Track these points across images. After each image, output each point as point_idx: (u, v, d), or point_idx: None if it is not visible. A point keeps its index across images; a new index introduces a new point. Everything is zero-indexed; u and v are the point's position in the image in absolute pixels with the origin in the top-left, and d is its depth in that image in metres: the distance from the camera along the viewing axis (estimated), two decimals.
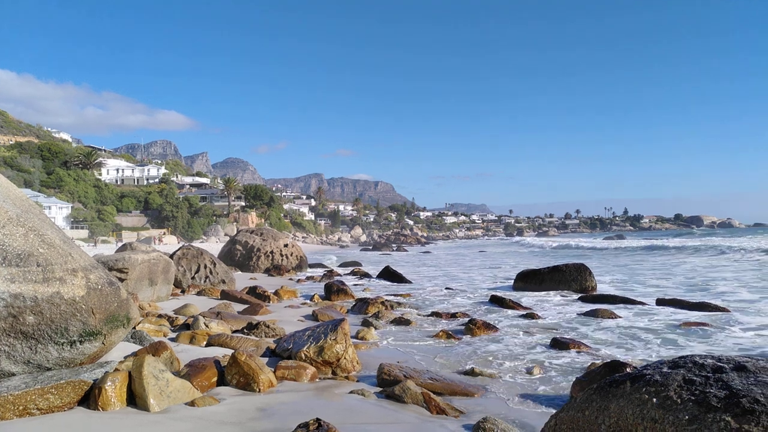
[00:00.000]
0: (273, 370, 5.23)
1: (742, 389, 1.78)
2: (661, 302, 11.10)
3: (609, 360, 5.86)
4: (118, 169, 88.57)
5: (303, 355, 5.66)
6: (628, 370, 2.96)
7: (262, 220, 78.38)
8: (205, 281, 14.05)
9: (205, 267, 14.34)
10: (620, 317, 9.52)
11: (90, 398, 4.04)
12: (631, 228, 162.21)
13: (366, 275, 19.05)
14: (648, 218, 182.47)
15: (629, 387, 1.99)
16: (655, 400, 1.87)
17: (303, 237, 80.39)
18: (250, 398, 4.52)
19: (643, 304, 11.01)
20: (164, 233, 60.90)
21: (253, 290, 12.23)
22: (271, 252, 21.90)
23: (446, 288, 14.59)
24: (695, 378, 1.91)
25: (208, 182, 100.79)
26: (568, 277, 13.88)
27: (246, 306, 10.36)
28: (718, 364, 1.97)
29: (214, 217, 74.23)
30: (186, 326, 7.60)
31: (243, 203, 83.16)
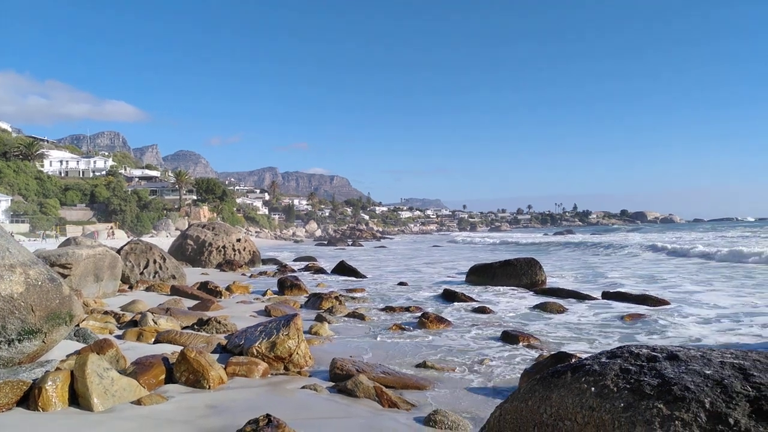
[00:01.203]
0: (224, 366, 5.16)
1: (674, 377, 1.87)
2: (606, 295, 11.49)
3: (556, 352, 6.03)
4: (62, 161, 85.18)
5: (255, 351, 5.60)
6: (573, 361, 3.07)
7: (215, 214, 76.91)
8: (154, 277, 13.70)
9: (155, 262, 13.98)
10: (568, 310, 9.81)
11: (29, 399, 3.89)
12: (580, 223, 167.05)
13: (320, 270, 18.97)
14: (596, 213, 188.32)
15: (570, 377, 2.06)
16: (593, 389, 1.94)
17: (256, 232, 79.29)
18: (200, 395, 4.45)
19: (590, 297, 11.37)
20: (112, 227, 58.96)
21: (204, 286, 12.00)
22: (224, 247, 21.53)
23: (400, 282, 14.69)
24: (631, 367, 1.99)
25: (159, 175, 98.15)
26: (519, 271, 14.19)
27: (197, 302, 10.16)
28: (653, 353, 2.07)
29: (165, 211, 72.40)
30: (133, 323, 7.40)
31: (195, 197, 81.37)
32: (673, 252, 26.15)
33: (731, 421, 1.67)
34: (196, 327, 7.47)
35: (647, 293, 11.33)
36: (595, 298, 11.27)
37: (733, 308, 9.92)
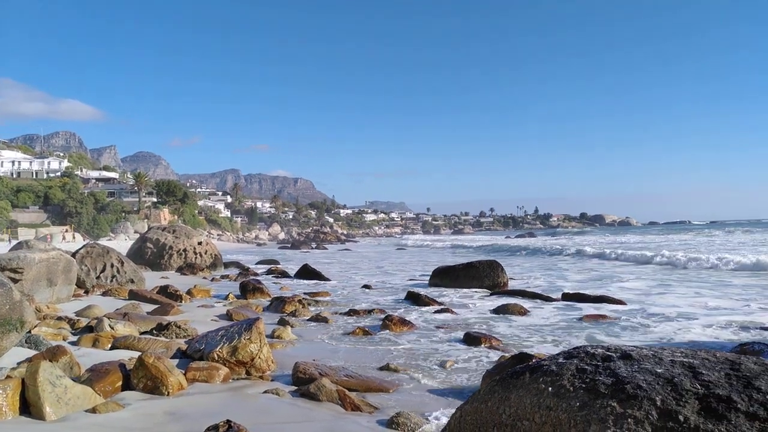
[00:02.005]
0: (184, 372, 5.06)
1: (627, 376, 1.93)
2: (566, 297, 11.73)
3: (517, 353, 6.13)
4: (13, 162, 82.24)
5: (216, 356, 5.51)
6: (532, 361, 3.13)
7: (176, 216, 75.41)
8: (111, 281, 13.35)
9: (112, 266, 13.62)
10: (529, 311, 9.98)
11: None
12: (541, 226, 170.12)
13: (284, 274, 18.81)
14: (556, 216, 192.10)
15: (528, 378, 2.10)
16: (550, 389, 1.99)
17: (218, 235, 78.07)
18: (158, 402, 4.35)
19: (550, 298, 11.59)
20: (66, 230, 57.15)
21: (164, 290, 11.75)
22: (184, 250, 21.14)
23: (364, 285, 14.68)
24: (587, 367, 2.04)
25: (117, 177, 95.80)
26: (482, 273, 14.36)
27: (156, 306, 9.94)
28: (607, 353, 2.12)
29: (123, 214, 70.62)
30: (89, 329, 7.18)
31: (155, 199, 79.67)
32: (632, 259, 26.88)
33: (681, 418, 1.73)
34: (155, 332, 7.31)
35: (605, 294, 11.62)
36: (555, 300, 11.50)
37: (687, 309, 10.26)
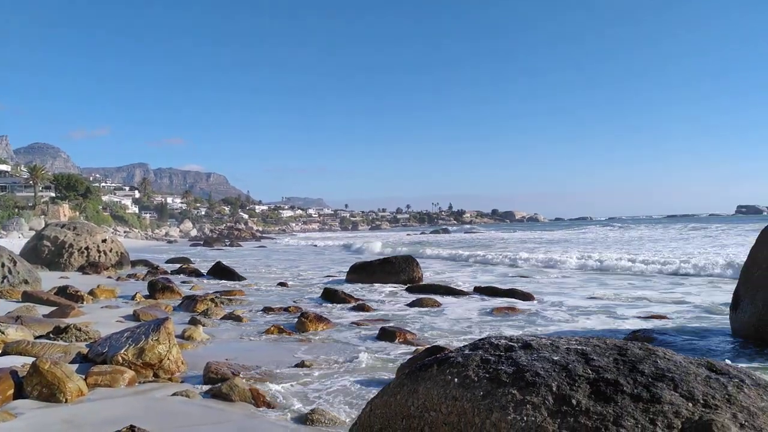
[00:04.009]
0: (84, 377, 4.78)
1: (527, 365, 2.04)
2: (478, 290, 12.17)
3: (430, 346, 6.29)
4: None
5: (120, 359, 5.25)
6: (441, 354, 3.23)
7: (77, 213, 70.82)
8: (2, 282, 12.34)
9: (3, 266, 12.59)
10: (443, 305, 10.26)
11: None
12: (455, 222, 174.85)
13: (196, 272, 18.17)
14: (469, 213, 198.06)
15: (436, 370, 2.17)
16: (456, 380, 2.07)
17: (125, 232, 74.12)
18: (56, 410, 4.09)
19: (463, 292, 11.96)
20: None
21: (63, 290, 11.01)
22: (87, 248, 19.90)
23: (280, 283, 14.48)
24: (490, 357, 2.14)
25: (9, 170, 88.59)
26: (398, 269, 14.58)
27: (54, 308, 9.30)
28: (510, 343, 2.24)
29: (17, 210, 65.40)
30: None
31: (53, 194, 74.40)
32: (544, 262, 28.22)
33: (574, 401, 1.86)
34: (52, 336, 6.84)
35: (515, 288, 12.15)
36: (468, 293, 11.89)
37: (587, 302, 10.94)
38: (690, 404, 1.83)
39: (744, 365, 5.72)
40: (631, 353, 2.10)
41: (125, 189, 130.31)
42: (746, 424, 1.77)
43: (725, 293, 10.44)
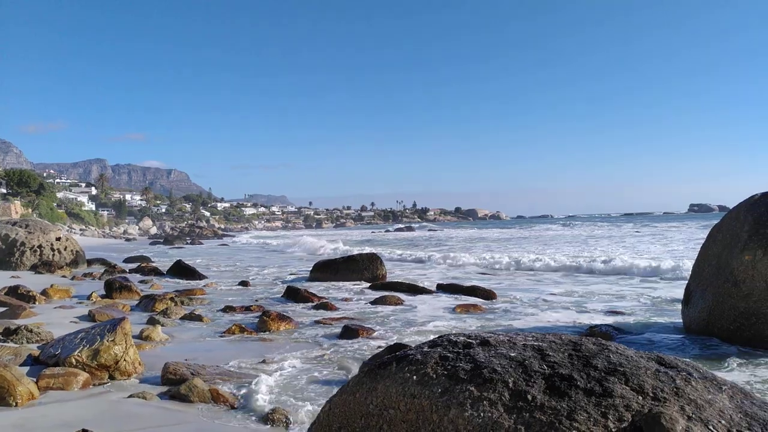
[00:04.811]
0: (36, 380, 4.63)
1: (485, 361, 2.07)
2: (441, 287, 12.26)
3: (393, 343, 6.31)
4: None
5: (74, 360, 5.10)
6: (400, 352, 3.25)
7: (29, 210, 68.37)
8: None
9: None
10: (406, 302, 10.30)
11: None
12: (419, 220, 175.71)
13: (155, 271, 17.77)
14: (433, 211, 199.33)
15: (395, 367, 2.18)
16: (415, 377, 2.08)
17: (81, 229, 71.95)
18: (5, 414, 3.95)
19: (426, 290, 12.03)
20: None
21: (13, 290, 10.63)
22: (40, 246, 19.24)
23: (242, 282, 14.29)
24: (449, 354, 2.16)
25: None
26: (361, 266, 14.58)
27: (4, 309, 8.98)
28: (468, 340, 2.26)
29: None
30: None
31: (4, 191, 71.67)
32: (502, 247, 28.64)
33: (529, 397, 1.89)
34: (1, 337, 6.60)
35: (477, 285, 12.28)
36: (431, 291, 11.96)
37: (547, 299, 11.16)
38: (640, 397, 1.88)
39: (693, 359, 5.94)
40: (585, 348, 2.16)
41: (81, 185, 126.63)
42: (693, 416, 1.84)
43: (679, 289, 10.80)
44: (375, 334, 7.51)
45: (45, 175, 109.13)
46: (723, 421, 1.85)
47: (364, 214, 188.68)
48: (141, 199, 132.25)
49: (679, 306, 8.19)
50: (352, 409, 2.17)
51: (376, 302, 10.38)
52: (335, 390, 5.00)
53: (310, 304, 10.35)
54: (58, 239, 20.01)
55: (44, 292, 10.93)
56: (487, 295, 11.16)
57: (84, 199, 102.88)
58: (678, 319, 8.04)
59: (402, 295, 10.97)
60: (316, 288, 12.66)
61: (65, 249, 19.88)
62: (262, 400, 4.73)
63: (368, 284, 13.34)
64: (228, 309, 9.65)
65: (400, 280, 13.65)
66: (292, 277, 16.01)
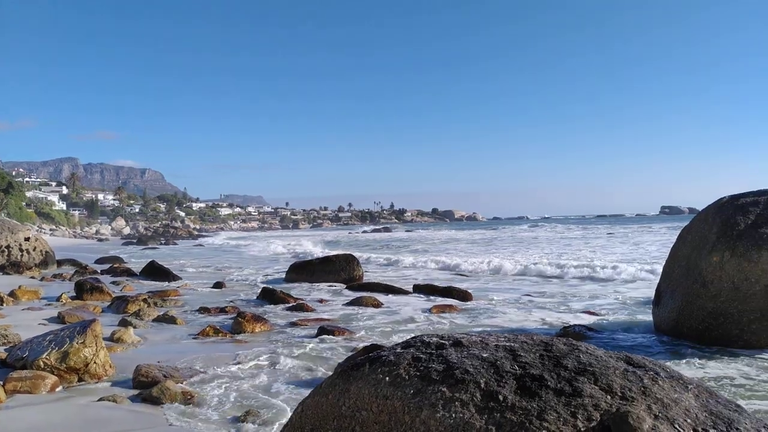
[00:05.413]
0: (2, 383, 4.52)
1: (457, 362, 2.08)
2: (417, 288, 12.29)
3: (369, 344, 6.31)
4: None
5: (42, 363, 4.99)
6: (374, 353, 3.25)
7: None
8: None
9: None
10: (383, 304, 10.30)
11: None
12: (397, 221, 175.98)
13: (128, 272, 17.48)
14: (411, 212, 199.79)
15: (368, 369, 2.18)
16: (387, 378, 2.08)
17: (51, 229, 70.47)
18: None
19: (402, 291, 12.06)
20: None
21: None
22: (8, 247, 18.79)
23: (217, 283, 14.14)
24: (422, 355, 2.17)
25: None
26: (338, 267, 14.54)
27: None
28: (441, 341, 2.28)
29: None
30: None
31: None
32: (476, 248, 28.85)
33: (501, 397, 1.91)
34: None
35: (453, 286, 12.35)
36: (407, 292, 11.99)
37: (522, 300, 11.27)
38: (608, 397, 1.91)
39: (662, 358, 6.06)
40: (556, 349, 2.18)
41: (52, 185, 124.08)
42: (660, 415, 1.88)
43: (652, 290, 11.00)
44: (351, 335, 7.50)
45: (14, 173, 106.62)
46: (689, 420, 1.89)
47: (341, 214, 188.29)
48: (114, 199, 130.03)
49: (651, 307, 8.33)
50: (325, 411, 2.16)
51: (352, 303, 10.37)
52: (309, 392, 5.00)
53: (286, 305, 10.29)
54: (27, 239, 19.57)
55: (12, 294, 10.67)
56: (463, 296, 11.22)
57: (54, 198, 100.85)
58: (650, 320, 8.20)
59: (379, 296, 10.97)
60: (293, 289, 12.60)
61: (34, 249, 19.45)
62: (236, 401, 4.69)
63: (345, 285, 13.31)
64: (203, 310, 9.54)
65: (376, 281, 13.65)
66: (269, 278, 15.90)
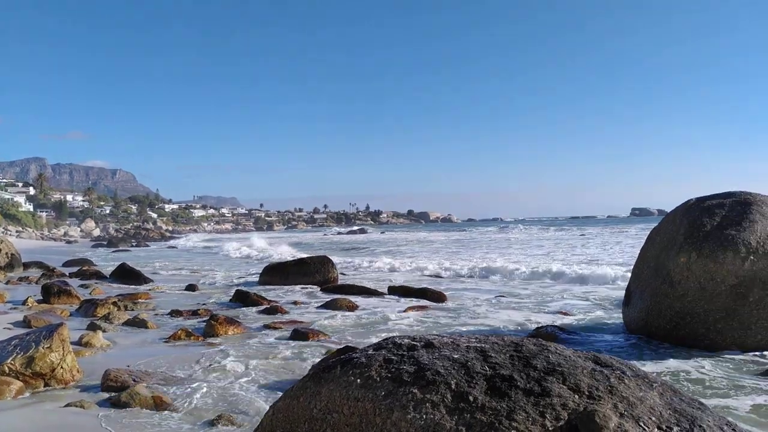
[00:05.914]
0: None
1: (428, 363, 2.09)
2: (392, 290, 12.30)
3: (342, 346, 6.30)
4: None
5: (6, 369, 4.87)
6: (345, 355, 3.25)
7: None
8: None
9: None
10: (358, 306, 10.29)
11: None
12: (372, 222, 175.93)
13: (97, 275, 17.15)
14: (386, 213, 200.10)
15: (339, 371, 2.18)
16: (359, 380, 2.08)
17: (17, 231, 68.70)
18: None
19: (377, 292, 12.06)
20: None
21: None
22: None
23: (189, 286, 13.95)
24: (393, 357, 2.18)
25: None
26: (313, 269, 14.46)
27: None
28: (412, 343, 2.29)
29: None
30: None
31: None
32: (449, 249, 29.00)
33: (471, 398, 1.93)
34: None
35: (427, 288, 12.39)
36: (382, 293, 12.00)
37: (495, 301, 11.37)
38: (576, 396, 1.95)
39: (629, 357, 6.18)
40: (526, 349, 2.21)
41: (18, 185, 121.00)
42: (626, 413, 1.91)
43: (623, 291, 11.21)
44: (325, 337, 7.47)
45: None
46: (653, 418, 1.93)
47: (316, 216, 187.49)
48: (83, 200, 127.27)
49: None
50: (296, 414, 2.16)
51: (327, 305, 10.33)
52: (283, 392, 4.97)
53: (259, 307, 10.20)
54: None
55: None
56: (438, 297, 11.27)
57: (21, 199, 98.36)
58: (621, 320, 8.34)
59: (353, 298, 10.95)
60: (267, 291, 12.50)
61: (0, 252, 18.94)
62: (208, 405, 4.64)
63: (320, 287, 13.26)
64: (174, 313, 9.41)
65: (351, 283, 13.63)
66: (242, 280, 15.74)
